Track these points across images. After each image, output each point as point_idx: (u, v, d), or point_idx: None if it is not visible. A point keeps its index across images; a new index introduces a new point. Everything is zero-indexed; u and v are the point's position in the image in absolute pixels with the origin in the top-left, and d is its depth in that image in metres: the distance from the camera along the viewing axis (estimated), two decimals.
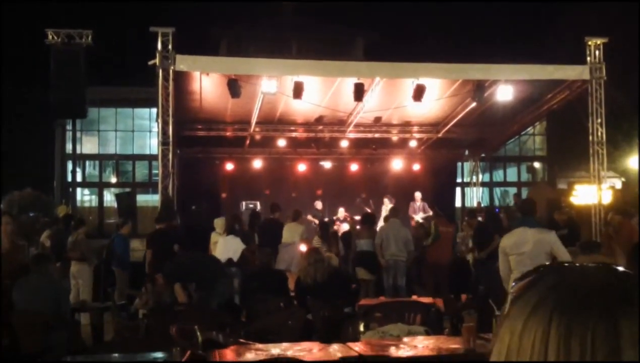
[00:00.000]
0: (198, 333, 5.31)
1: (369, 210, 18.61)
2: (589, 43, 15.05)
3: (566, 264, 0.92)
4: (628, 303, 0.81)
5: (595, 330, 0.79)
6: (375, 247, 12.67)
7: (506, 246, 7.51)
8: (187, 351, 5.48)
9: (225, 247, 12.23)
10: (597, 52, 15.05)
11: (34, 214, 21.17)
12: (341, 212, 19.01)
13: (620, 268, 0.89)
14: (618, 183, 23.88)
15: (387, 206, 18.75)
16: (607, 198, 16.15)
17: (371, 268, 12.34)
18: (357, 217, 17.30)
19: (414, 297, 9.11)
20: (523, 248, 7.32)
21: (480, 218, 14.82)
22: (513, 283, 0.90)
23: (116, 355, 6.34)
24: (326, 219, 16.58)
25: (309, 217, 18.14)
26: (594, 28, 16.98)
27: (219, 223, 13.37)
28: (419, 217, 18.36)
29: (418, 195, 19.15)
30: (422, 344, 5.41)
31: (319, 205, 19.69)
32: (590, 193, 16.20)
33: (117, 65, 24.18)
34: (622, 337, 0.79)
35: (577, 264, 0.91)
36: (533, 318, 0.83)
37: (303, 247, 12.10)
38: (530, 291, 0.87)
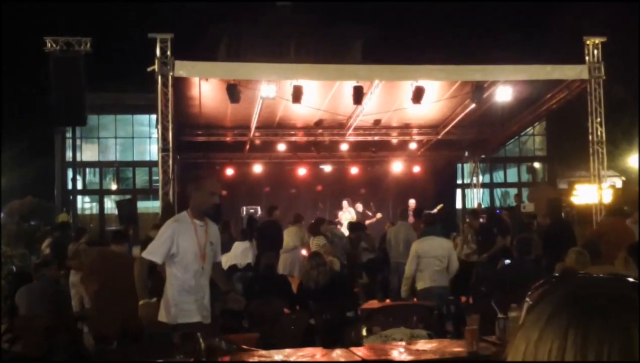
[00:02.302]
0: (200, 340, 5.29)
1: (369, 213, 18.66)
2: (588, 42, 15.04)
3: (580, 274, 0.93)
4: None
5: (612, 342, 0.80)
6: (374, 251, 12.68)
7: (421, 251, 8.92)
8: (189, 358, 5.47)
9: (234, 252, 12.29)
10: (595, 52, 15.04)
11: (35, 223, 21.20)
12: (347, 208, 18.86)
13: (631, 279, 0.89)
14: (618, 183, 23.87)
15: (346, 209, 18.63)
16: (607, 197, 16.13)
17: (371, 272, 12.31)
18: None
19: (415, 300, 9.12)
20: (433, 253, 8.87)
21: (482, 220, 14.71)
22: (515, 307, 0.90)
23: None
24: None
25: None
26: (592, 27, 16.98)
27: None
28: None
29: (412, 202, 18.87)
30: (425, 348, 5.40)
31: (359, 207, 19.16)
32: (591, 193, 16.19)
33: (116, 72, 24.17)
34: (638, 349, 0.79)
35: (594, 275, 0.92)
36: (549, 329, 0.84)
37: (304, 252, 12.11)
38: (544, 301, 0.87)
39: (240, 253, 12.31)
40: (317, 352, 5.36)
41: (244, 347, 5.47)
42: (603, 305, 0.83)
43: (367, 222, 17.49)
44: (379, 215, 18.56)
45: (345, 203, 18.84)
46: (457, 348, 5.20)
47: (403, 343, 5.70)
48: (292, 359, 5.14)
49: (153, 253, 5.46)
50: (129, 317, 7.79)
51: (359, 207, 19.23)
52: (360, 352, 5.18)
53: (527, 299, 0.91)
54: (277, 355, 5.39)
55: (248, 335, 6.71)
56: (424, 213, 13.86)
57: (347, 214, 18.45)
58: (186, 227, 5.47)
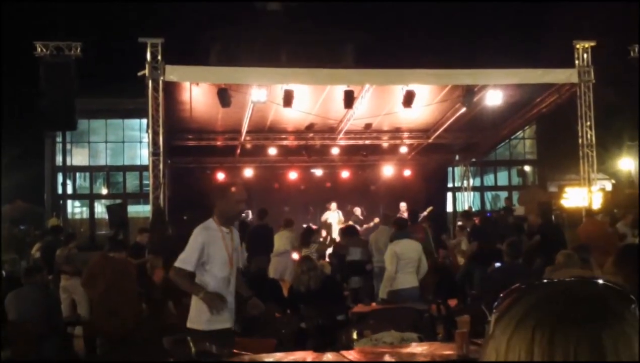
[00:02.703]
0: (191, 345, 5.29)
1: (361, 217, 18.66)
2: (577, 46, 15.14)
3: (546, 281, 0.93)
4: (609, 315, 0.82)
5: (578, 343, 0.80)
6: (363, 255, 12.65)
7: (399, 251, 9.31)
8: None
9: None
10: (585, 55, 15.14)
11: (25, 227, 21.11)
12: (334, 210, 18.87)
13: (600, 281, 0.90)
14: (608, 186, 23.95)
15: (334, 210, 18.61)
16: (597, 200, 16.19)
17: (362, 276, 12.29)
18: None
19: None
20: (409, 254, 9.34)
21: (476, 221, 14.72)
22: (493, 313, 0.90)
23: None
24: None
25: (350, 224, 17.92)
26: (582, 30, 17.04)
27: None
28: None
29: (403, 206, 18.77)
30: (416, 351, 5.41)
31: (357, 211, 19.28)
32: (581, 196, 16.26)
33: (107, 76, 24.07)
34: (604, 348, 0.80)
35: (556, 280, 0.92)
36: (516, 336, 0.84)
37: (295, 255, 12.09)
38: (512, 310, 0.87)
39: None
40: (308, 356, 5.36)
41: (235, 350, 5.47)
42: (569, 307, 0.83)
43: (365, 226, 17.50)
44: (376, 219, 18.53)
45: (333, 205, 18.83)
46: (447, 351, 5.21)
47: (393, 346, 5.71)
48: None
49: (186, 262, 5.47)
50: (130, 320, 7.81)
51: (357, 210, 19.27)
52: (351, 355, 5.18)
53: (494, 310, 0.91)
54: (268, 358, 5.39)
55: (265, 340, 6.69)
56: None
57: (334, 215, 18.46)
58: (215, 235, 5.54)
